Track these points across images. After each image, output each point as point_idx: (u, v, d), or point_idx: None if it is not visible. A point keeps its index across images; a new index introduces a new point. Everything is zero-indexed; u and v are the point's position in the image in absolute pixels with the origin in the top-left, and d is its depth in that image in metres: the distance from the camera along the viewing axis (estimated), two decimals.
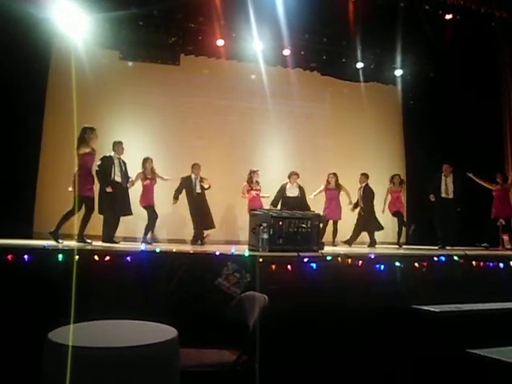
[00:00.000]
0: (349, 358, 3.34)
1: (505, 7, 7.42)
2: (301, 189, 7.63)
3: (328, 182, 7.91)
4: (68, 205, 7.14)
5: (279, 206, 7.47)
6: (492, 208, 7.41)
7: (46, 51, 7.63)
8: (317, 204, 7.73)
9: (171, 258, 3.68)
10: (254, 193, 7.46)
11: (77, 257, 3.36)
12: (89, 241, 5.31)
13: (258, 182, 7.60)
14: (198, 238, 7.08)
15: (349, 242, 7.84)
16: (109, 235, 5.81)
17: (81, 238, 5.32)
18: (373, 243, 7.82)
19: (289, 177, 7.66)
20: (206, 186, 7.20)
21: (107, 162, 6.00)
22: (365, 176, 8.06)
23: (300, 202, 7.46)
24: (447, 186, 7.44)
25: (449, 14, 7.91)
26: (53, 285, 3.13)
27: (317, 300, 3.49)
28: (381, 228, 7.92)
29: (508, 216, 7.29)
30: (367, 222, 7.86)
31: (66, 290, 2.90)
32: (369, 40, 8.81)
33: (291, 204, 7.26)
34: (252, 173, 7.57)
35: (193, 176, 7.17)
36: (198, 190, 7.16)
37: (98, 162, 5.91)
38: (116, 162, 6.08)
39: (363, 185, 7.99)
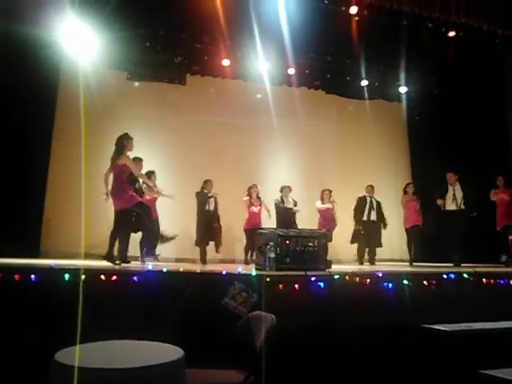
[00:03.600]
0: (358, 378, 3.28)
1: (507, 25, 7.48)
2: (295, 203, 7.64)
3: (322, 199, 7.86)
4: (75, 224, 7.21)
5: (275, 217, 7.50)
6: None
7: (54, 74, 7.78)
8: (309, 220, 7.75)
9: (178, 278, 3.66)
10: (254, 208, 7.46)
11: (83, 276, 3.35)
12: (117, 262, 5.11)
13: (259, 198, 7.60)
14: (204, 256, 7.03)
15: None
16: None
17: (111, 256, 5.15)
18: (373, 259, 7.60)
19: (281, 190, 7.67)
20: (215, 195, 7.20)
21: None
22: (372, 187, 7.88)
23: (293, 214, 7.49)
24: (456, 196, 7.02)
25: (452, 31, 7.97)
26: (59, 305, 3.12)
27: (325, 319, 3.45)
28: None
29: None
30: (378, 236, 7.64)
31: (72, 310, 2.89)
32: (373, 58, 8.90)
33: (287, 216, 7.33)
34: (250, 188, 7.60)
35: (205, 191, 7.19)
36: (211, 208, 7.16)
37: None
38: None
39: (373, 196, 7.79)
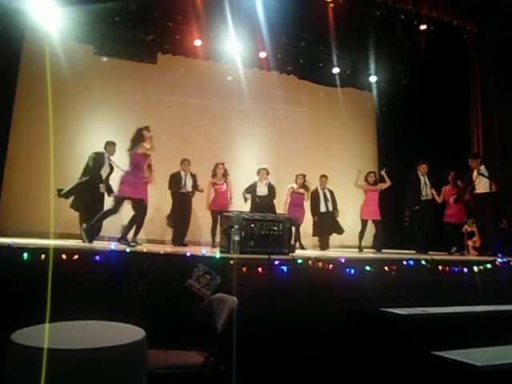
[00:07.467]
0: (318, 361, 3.36)
1: (475, 22, 7.68)
2: (270, 187, 7.40)
3: (296, 183, 7.72)
4: (35, 202, 6.99)
5: (248, 204, 7.36)
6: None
7: (17, 43, 7.37)
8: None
9: (141, 259, 3.63)
10: (219, 188, 7.19)
11: (43, 255, 3.27)
12: (133, 244, 5.22)
13: (225, 176, 7.27)
14: (177, 239, 6.73)
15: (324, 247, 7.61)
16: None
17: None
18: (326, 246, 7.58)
19: (258, 173, 7.46)
20: (200, 189, 7.03)
21: (99, 158, 5.96)
22: (324, 179, 7.85)
23: (268, 201, 7.29)
24: (427, 187, 7.15)
25: (423, 24, 8.14)
26: (18, 285, 3.03)
27: (287, 303, 3.51)
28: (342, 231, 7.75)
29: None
30: (335, 224, 7.69)
31: (31, 291, 2.82)
32: (345, 46, 8.97)
33: (260, 204, 7.16)
34: (215, 168, 7.33)
35: (182, 173, 6.95)
36: (189, 189, 6.90)
37: (92, 156, 5.89)
38: (106, 161, 6.03)
39: (325, 187, 7.80)
